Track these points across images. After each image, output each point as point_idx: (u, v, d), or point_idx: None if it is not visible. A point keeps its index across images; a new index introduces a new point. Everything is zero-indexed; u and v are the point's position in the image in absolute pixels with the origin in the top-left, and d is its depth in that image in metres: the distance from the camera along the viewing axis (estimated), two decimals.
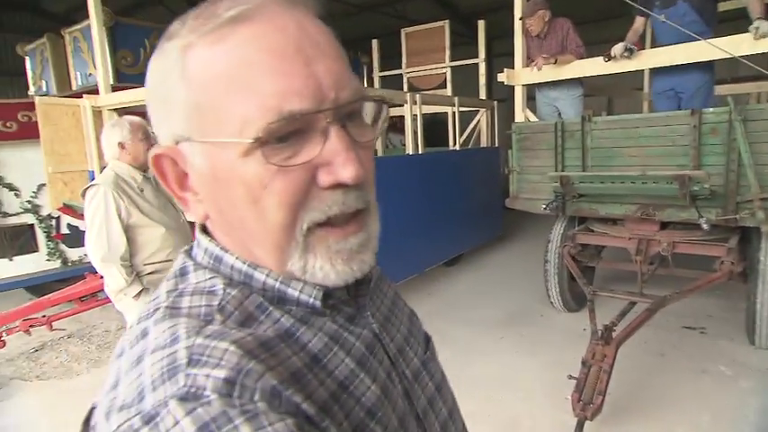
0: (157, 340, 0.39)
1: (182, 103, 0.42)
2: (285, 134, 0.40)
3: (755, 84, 5.60)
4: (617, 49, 3.51)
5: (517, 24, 4.15)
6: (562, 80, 4.02)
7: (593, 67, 3.77)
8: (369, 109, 0.47)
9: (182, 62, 0.42)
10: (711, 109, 3.09)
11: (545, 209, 3.74)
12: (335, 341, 0.46)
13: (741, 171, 2.97)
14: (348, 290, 0.50)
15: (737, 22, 3.30)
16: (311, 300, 0.46)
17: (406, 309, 0.62)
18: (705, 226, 3.00)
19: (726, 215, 3.05)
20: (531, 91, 4.41)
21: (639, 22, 3.76)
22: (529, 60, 4.16)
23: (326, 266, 0.44)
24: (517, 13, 4.09)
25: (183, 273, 0.47)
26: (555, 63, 3.82)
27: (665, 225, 3.52)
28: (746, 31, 3.05)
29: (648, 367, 3.25)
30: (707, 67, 3.50)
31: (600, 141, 3.56)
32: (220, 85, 0.40)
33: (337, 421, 0.40)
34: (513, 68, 4.20)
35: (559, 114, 4.29)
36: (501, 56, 8.47)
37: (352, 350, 0.46)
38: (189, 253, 0.50)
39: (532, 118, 4.26)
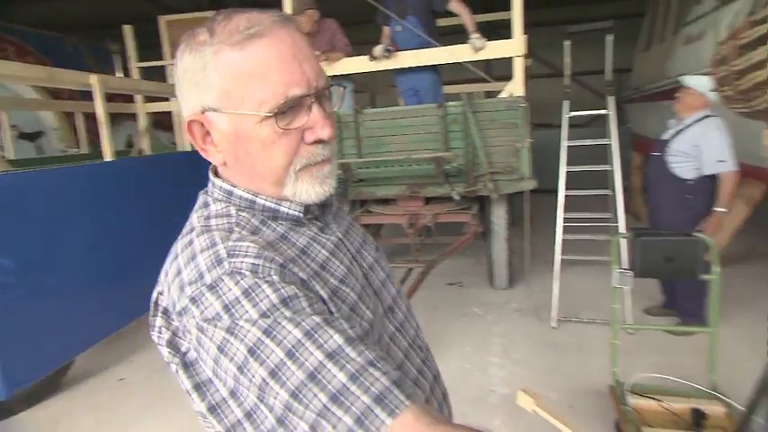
0: (203, 245, 0.64)
1: (215, 87, 0.63)
2: (286, 109, 0.63)
3: (479, 84, 7.08)
4: (377, 50, 4.07)
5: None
6: (336, 76, 4.43)
7: (361, 64, 4.26)
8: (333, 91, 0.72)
9: (214, 60, 0.63)
10: (452, 103, 3.87)
11: (331, 196, 4.12)
12: (314, 240, 0.72)
13: (475, 152, 3.81)
14: (319, 209, 0.75)
15: (456, 36, 4.17)
16: (296, 212, 0.71)
17: (360, 229, 0.89)
18: (456, 197, 3.78)
19: (469, 188, 3.89)
20: None
21: (386, 30, 4.40)
22: None
23: (309, 188, 0.69)
24: (287, 10, 4.31)
25: (205, 205, 0.71)
26: (326, 60, 4.19)
27: (428, 200, 4.26)
28: (466, 42, 3.90)
29: (427, 319, 3.92)
30: (435, 69, 4.32)
31: (371, 131, 4.08)
32: (244, 76, 0.62)
33: (320, 285, 0.65)
34: None
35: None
36: None
37: (326, 246, 0.73)
38: (206, 192, 0.74)
39: None
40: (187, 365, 0.68)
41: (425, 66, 4.13)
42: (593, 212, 4.05)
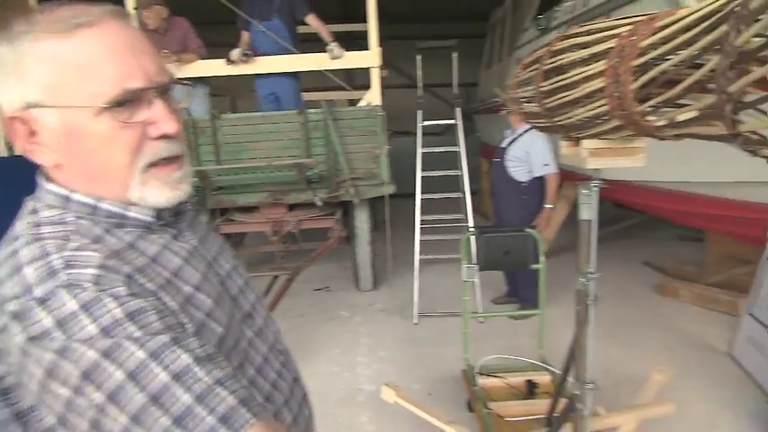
0: (32, 255, 0.57)
1: (38, 80, 0.58)
2: (124, 102, 0.59)
3: (342, 93, 7.25)
4: (235, 53, 3.98)
5: (133, 15, 4.06)
6: (191, 78, 4.22)
7: (217, 67, 4.11)
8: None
9: (34, 50, 0.58)
10: (313, 110, 3.94)
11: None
12: (166, 248, 0.68)
13: (336, 158, 3.92)
14: (173, 216, 0.71)
15: (318, 43, 4.27)
16: (146, 218, 0.66)
17: (219, 238, 0.86)
18: (319, 203, 3.86)
19: (331, 193, 3.99)
20: None
21: (245, 35, 4.32)
22: None
23: (158, 193, 0.65)
24: (130, 4, 4.00)
25: (34, 212, 0.64)
26: (178, 61, 3.97)
27: (292, 207, 4.26)
28: (324, 51, 4.01)
29: (294, 326, 3.92)
30: (295, 75, 4.36)
31: (230, 137, 3.97)
32: (72, 68, 0.58)
33: (172, 295, 0.62)
34: None
35: (188, 111, 4.47)
36: None
37: (179, 254, 0.68)
38: (35, 198, 0.66)
39: None
40: (4, 392, 0.59)
41: (287, 71, 4.15)
42: (447, 214, 4.43)
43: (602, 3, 3.74)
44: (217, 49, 4.30)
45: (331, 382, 3.11)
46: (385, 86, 7.98)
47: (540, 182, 3.63)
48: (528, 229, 2.73)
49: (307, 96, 5.21)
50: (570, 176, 4.58)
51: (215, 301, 0.68)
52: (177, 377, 0.53)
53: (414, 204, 4.28)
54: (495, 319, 3.82)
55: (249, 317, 0.79)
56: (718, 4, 0.93)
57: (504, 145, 3.82)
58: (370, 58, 4.01)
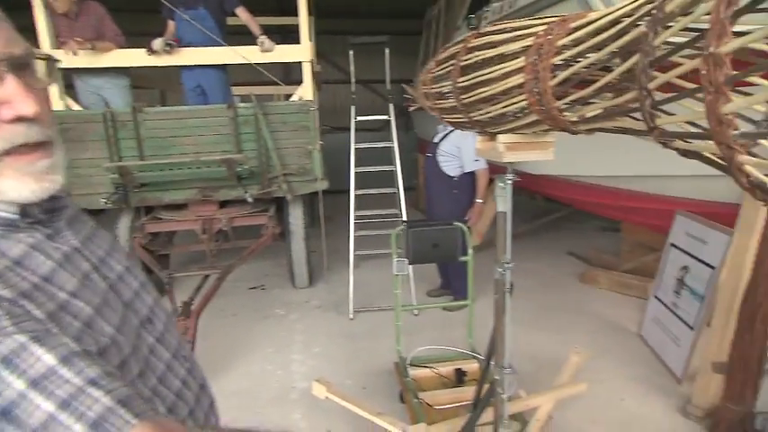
0: None
1: None
2: None
3: (278, 87, 7.09)
4: (157, 43, 3.80)
5: None
6: (106, 68, 3.98)
7: (137, 57, 3.92)
8: (40, 66, 0.61)
9: None
10: (243, 104, 3.85)
11: (106, 203, 3.70)
12: (35, 249, 0.60)
13: (268, 154, 3.86)
14: (45, 213, 0.64)
15: (246, 36, 4.17)
16: (8, 214, 0.59)
17: (107, 236, 0.78)
18: (250, 200, 3.78)
19: (263, 190, 3.92)
20: (69, 77, 4.13)
21: (171, 25, 4.14)
22: (60, 41, 3.87)
23: (18, 185, 0.57)
24: None
25: None
26: (92, 49, 3.74)
27: (223, 204, 4.14)
28: (254, 43, 3.93)
29: (227, 327, 3.84)
30: (223, 68, 4.23)
31: (154, 131, 3.80)
32: None
33: (37, 303, 0.54)
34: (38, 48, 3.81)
35: (107, 104, 4.23)
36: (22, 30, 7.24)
37: (52, 256, 0.61)
38: None
39: (75, 107, 4.03)
40: None
41: (215, 64, 4.02)
42: (382, 209, 4.48)
43: (528, 4, 3.92)
44: (142, 38, 4.09)
45: (264, 380, 3.07)
46: (323, 82, 7.98)
47: (471, 177, 3.74)
48: (456, 223, 2.81)
49: (240, 91, 5.09)
50: (501, 171, 4.77)
51: (97, 308, 0.62)
52: (35, 383, 0.47)
53: (354, 200, 4.31)
54: (429, 311, 3.92)
55: (148, 321, 0.74)
56: (629, 8, 1.01)
57: (436, 140, 3.90)
58: (301, 52, 3.97)
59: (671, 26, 0.83)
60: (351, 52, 4.24)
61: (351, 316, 3.97)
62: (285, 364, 3.30)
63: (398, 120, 4.58)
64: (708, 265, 2.77)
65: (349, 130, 4.35)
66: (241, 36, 4.38)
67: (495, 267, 1.78)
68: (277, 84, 4.24)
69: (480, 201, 3.75)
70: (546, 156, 1.64)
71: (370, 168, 4.38)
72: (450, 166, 3.76)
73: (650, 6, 0.91)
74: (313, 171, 4.02)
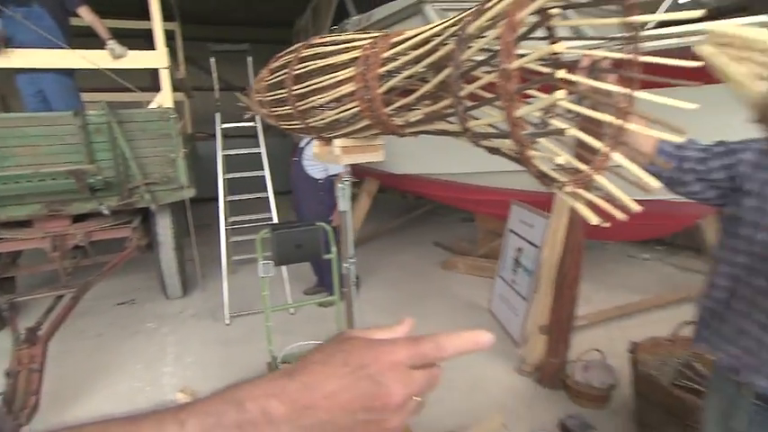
0: None
1: None
2: None
3: (144, 94, 6.62)
4: None
5: None
6: None
7: None
8: None
9: None
10: (92, 112, 3.56)
11: None
12: None
13: (126, 163, 3.62)
14: None
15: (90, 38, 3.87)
16: None
17: None
18: (106, 212, 3.52)
19: (123, 200, 3.67)
20: None
21: None
22: None
23: None
24: None
25: None
26: None
27: (79, 218, 3.79)
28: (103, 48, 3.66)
29: (89, 350, 3.54)
30: (68, 72, 3.86)
31: None
32: None
33: None
34: None
35: None
36: None
37: None
38: None
39: None
40: None
41: (56, 68, 3.66)
42: (256, 214, 4.44)
43: (381, 18, 4.16)
44: None
45: (130, 399, 2.91)
46: (194, 88, 7.61)
47: (335, 179, 3.87)
48: (319, 223, 2.90)
49: (100, 97, 4.69)
50: (369, 173, 5.00)
51: None
52: None
53: (225, 207, 4.22)
54: (306, 309, 3.98)
55: None
56: (438, 29, 1.16)
57: (302, 145, 3.97)
58: (156, 58, 3.78)
59: (472, 46, 0.99)
60: (212, 59, 4.16)
61: (227, 321, 3.89)
62: (155, 379, 3.15)
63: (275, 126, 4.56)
64: (534, 245, 3.20)
65: (229, 136, 4.26)
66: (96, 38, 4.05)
67: (342, 263, 1.90)
68: (131, 90, 3.97)
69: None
70: (377, 157, 1.79)
71: (240, 174, 4.32)
72: (315, 170, 3.85)
73: (455, 28, 1.08)
74: (178, 179, 3.86)
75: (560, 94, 0.78)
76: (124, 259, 3.67)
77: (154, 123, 3.76)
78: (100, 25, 3.68)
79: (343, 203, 1.86)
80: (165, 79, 3.85)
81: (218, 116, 4.17)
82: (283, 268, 3.99)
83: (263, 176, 4.32)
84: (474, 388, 2.84)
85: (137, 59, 3.77)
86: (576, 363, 2.71)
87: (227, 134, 4.27)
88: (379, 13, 4.17)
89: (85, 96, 4.45)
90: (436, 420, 2.53)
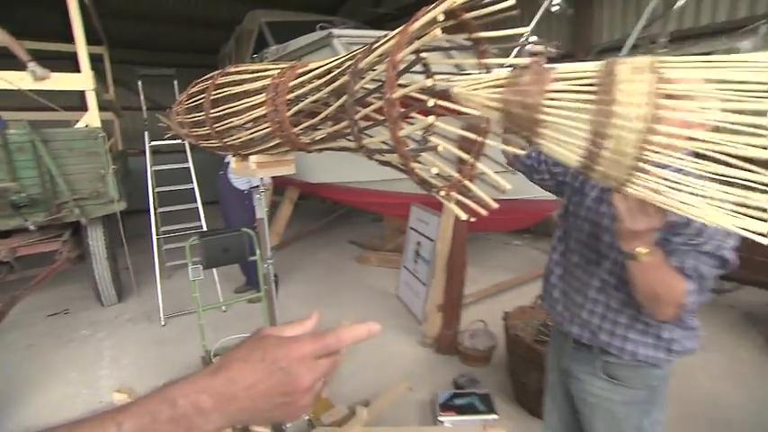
0: None
1: None
2: None
3: (74, 113, 5.91)
4: None
5: None
6: None
7: None
8: None
9: None
10: (13, 131, 3.12)
11: None
12: None
13: (53, 180, 3.22)
14: None
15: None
16: None
17: None
18: (32, 228, 3.10)
19: (52, 215, 3.26)
20: None
21: None
22: None
23: None
24: None
25: None
26: None
27: (5, 234, 3.30)
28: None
29: (21, 361, 3.09)
30: None
31: None
32: None
33: None
34: None
35: None
36: None
37: None
38: None
39: None
40: None
41: None
42: (187, 223, 4.15)
43: (295, 49, 4.07)
44: None
45: (66, 404, 2.59)
46: (124, 108, 6.96)
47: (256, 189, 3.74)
48: (244, 229, 2.79)
49: (37, 117, 4.14)
50: (291, 182, 4.89)
51: None
52: None
53: (158, 218, 3.91)
54: (237, 306, 3.80)
55: None
56: (336, 63, 1.15)
57: (227, 160, 3.79)
58: (81, 80, 3.39)
59: (364, 78, 1.00)
60: (139, 82, 3.83)
61: (162, 323, 3.60)
62: (92, 382, 2.83)
63: None
64: (430, 239, 3.32)
65: (160, 152, 3.94)
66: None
67: (261, 263, 1.83)
68: (54, 110, 3.54)
69: (266, 209, 3.78)
70: (289, 170, 1.76)
71: (170, 188, 4.03)
72: (239, 182, 3.70)
73: (350, 62, 1.09)
74: (108, 194, 3.50)
75: (431, 119, 0.83)
76: (54, 272, 3.27)
77: (81, 142, 3.38)
78: (18, 47, 3.23)
79: (260, 211, 1.80)
80: (91, 100, 3.47)
81: (146, 134, 3.85)
82: (214, 270, 3.78)
83: (193, 189, 4.06)
84: (385, 363, 2.89)
85: (62, 81, 3.36)
86: (465, 332, 2.85)
87: (158, 150, 3.95)
88: (295, 44, 4.10)
89: (10, 116, 3.91)
90: (352, 393, 2.53)
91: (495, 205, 0.95)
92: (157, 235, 3.87)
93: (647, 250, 0.85)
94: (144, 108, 3.89)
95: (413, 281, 3.53)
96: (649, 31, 2.89)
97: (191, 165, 3.94)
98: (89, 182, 3.44)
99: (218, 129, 1.65)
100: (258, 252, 2.85)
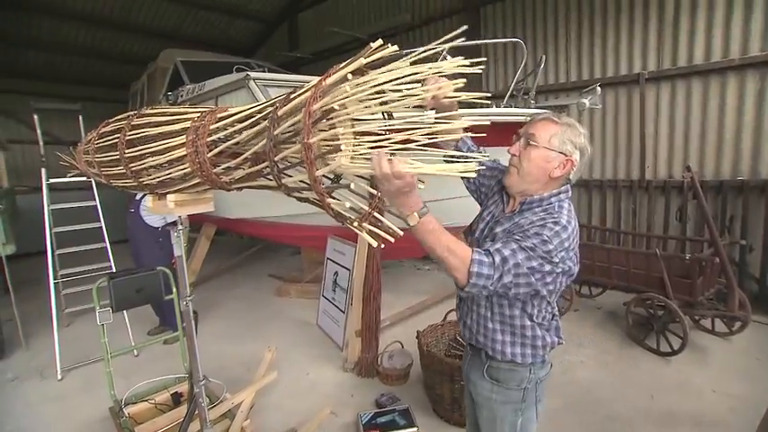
0: None
1: None
2: None
3: None
4: None
5: None
6: None
7: None
8: None
9: None
10: None
11: None
12: None
13: None
14: None
15: None
16: None
17: None
18: None
19: None
20: None
21: None
22: None
23: None
24: None
25: None
26: None
27: None
28: None
29: None
30: None
31: None
32: None
33: None
34: None
35: None
36: None
37: None
38: None
39: None
40: None
41: None
42: (93, 264, 3.72)
43: (212, 89, 3.99)
44: None
45: None
46: (10, 141, 6.11)
47: (172, 225, 3.52)
48: (159, 267, 2.60)
49: None
50: (207, 219, 4.65)
51: None
52: None
53: (54, 260, 3.44)
54: (151, 349, 3.45)
55: None
56: (256, 109, 1.18)
57: (138, 197, 3.52)
58: None
59: (282, 124, 1.06)
60: (36, 116, 3.44)
61: (59, 377, 3.12)
62: None
63: None
64: (347, 268, 3.39)
65: (58, 189, 3.51)
66: None
67: (179, 301, 1.75)
68: None
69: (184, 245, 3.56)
70: (208, 208, 1.73)
71: (72, 227, 3.61)
72: (153, 219, 3.44)
73: (270, 109, 1.14)
74: None
75: (343, 159, 0.93)
76: None
77: None
78: None
79: (178, 249, 1.74)
80: None
81: (43, 171, 3.44)
82: (125, 313, 3.41)
83: (100, 227, 3.67)
84: (309, 391, 2.83)
85: None
86: (383, 354, 2.93)
87: (56, 187, 3.53)
88: (211, 84, 4.01)
89: None
90: (279, 424, 2.44)
91: (401, 233, 1.08)
92: (56, 279, 3.41)
93: (412, 215, 1.04)
94: (41, 143, 3.49)
95: (332, 309, 3.54)
96: (523, 85, 3.40)
97: (97, 203, 3.59)
98: None
99: (134, 168, 1.58)
100: (175, 290, 2.67)
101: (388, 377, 2.82)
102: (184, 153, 1.31)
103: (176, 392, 2.48)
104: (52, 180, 3.47)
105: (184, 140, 1.38)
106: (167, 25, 8.12)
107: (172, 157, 1.35)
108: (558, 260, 1.13)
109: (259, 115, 1.20)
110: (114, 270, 3.52)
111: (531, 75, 3.39)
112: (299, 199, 1.25)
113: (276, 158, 1.10)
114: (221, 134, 1.28)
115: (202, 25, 8.33)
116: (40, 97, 4.62)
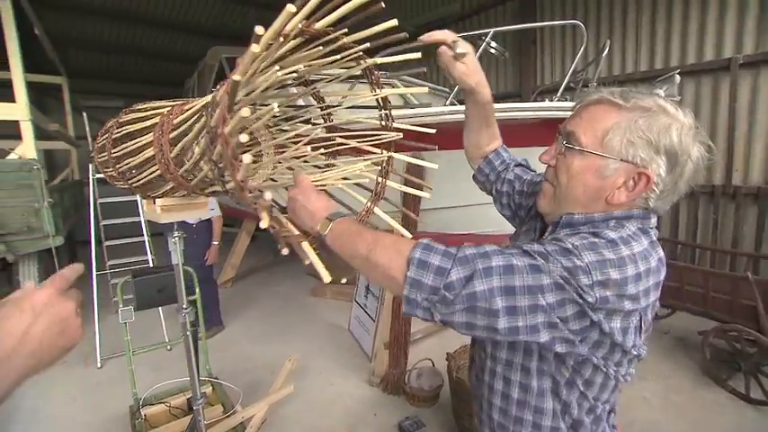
0: None
1: None
2: None
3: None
4: None
5: None
6: None
7: None
8: None
9: None
10: None
11: None
12: None
13: None
14: None
15: None
16: None
17: None
18: None
19: None
20: None
21: None
22: None
23: None
24: None
25: None
26: None
27: None
28: None
29: None
30: None
31: None
32: None
33: None
34: None
35: None
36: None
37: None
38: None
39: None
40: None
41: None
42: (137, 256, 3.78)
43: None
44: None
45: None
46: (79, 138, 6.50)
47: (207, 223, 3.45)
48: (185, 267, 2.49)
49: None
50: (247, 214, 4.58)
51: None
52: None
53: (95, 251, 3.51)
54: (181, 344, 3.41)
55: None
56: (209, 98, 0.96)
57: None
58: (16, 110, 3.05)
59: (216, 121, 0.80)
60: (84, 114, 3.52)
61: (98, 365, 3.16)
62: None
63: None
64: None
65: (103, 183, 3.61)
66: None
67: (177, 313, 1.58)
68: None
69: (216, 243, 3.50)
70: (202, 214, 1.54)
71: (114, 221, 3.68)
72: None
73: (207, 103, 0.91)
74: (42, 229, 3.10)
75: (247, 158, 0.68)
76: None
77: (13, 174, 3.00)
78: None
79: (175, 257, 1.55)
80: (26, 131, 3.12)
81: (91, 166, 3.51)
82: (160, 308, 3.40)
83: (140, 222, 3.72)
84: (331, 404, 2.61)
85: None
86: (412, 371, 2.63)
87: (106, 181, 3.61)
88: None
89: None
90: None
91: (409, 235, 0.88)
92: (102, 269, 3.50)
93: (323, 221, 0.78)
94: (89, 139, 3.57)
95: (363, 316, 3.30)
96: (583, 76, 2.92)
97: (138, 198, 3.60)
98: (20, 216, 3.04)
99: (120, 170, 1.41)
100: (197, 290, 2.56)
101: (415, 398, 2.52)
102: (152, 153, 1.09)
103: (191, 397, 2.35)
104: (99, 174, 3.53)
105: (151, 138, 1.17)
106: (225, 24, 8.31)
107: (144, 157, 1.14)
108: (597, 297, 0.62)
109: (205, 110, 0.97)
110: (151, 264, 3.54)
111: (592, 63, 2.89)
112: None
113: (214, 157, 0.87)
114: (182, 129, 1.06)
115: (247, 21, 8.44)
116: (109, 96, 4.84)
